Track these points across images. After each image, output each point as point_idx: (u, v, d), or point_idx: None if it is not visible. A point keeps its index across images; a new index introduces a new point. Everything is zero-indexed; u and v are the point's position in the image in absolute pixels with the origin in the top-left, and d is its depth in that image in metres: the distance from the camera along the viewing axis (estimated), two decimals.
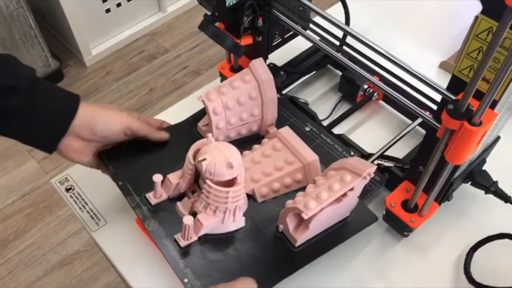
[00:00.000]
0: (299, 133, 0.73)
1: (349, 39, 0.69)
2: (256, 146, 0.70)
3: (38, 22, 1.82)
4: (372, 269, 0.68)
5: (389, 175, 0.71)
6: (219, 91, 0.68)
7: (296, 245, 0.61)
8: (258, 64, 0.68)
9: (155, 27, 2.21)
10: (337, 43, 0.71)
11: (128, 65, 2.09)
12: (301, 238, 0.61)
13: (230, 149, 0.61)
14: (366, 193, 0.68)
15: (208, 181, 0.59)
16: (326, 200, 0.58)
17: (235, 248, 0.62)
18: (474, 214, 0.73)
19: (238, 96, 0.67)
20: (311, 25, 0.71)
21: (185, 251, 0.61)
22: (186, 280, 0.58)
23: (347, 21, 0.78)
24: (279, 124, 0.72)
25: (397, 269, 0.68)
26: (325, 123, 0.81)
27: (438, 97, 0.60)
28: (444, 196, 0.67)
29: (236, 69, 0.83)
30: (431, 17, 1.03)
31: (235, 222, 0.63)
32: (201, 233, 0.61)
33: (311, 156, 0.66)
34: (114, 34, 2.12)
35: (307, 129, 0.74)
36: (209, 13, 0.69)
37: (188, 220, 0.59)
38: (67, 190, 0.77)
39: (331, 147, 0.72)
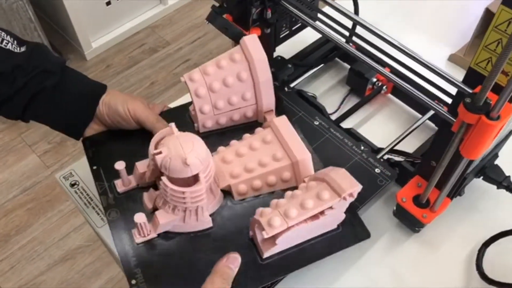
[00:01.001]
0: (307, 127, 0.72)
1: (358, 30, 0.67)
2: (246, 136, 0.63)
3: (37, 15, 1.80)
4: (383, 265, 0.67)
5: (399, 169, 0.70)
6: (203, 70, 0.61)
7: (264, 257, 0.55)
8: (250, 41, 0.60)
9: (156, 20, 2.19)
10: (347, 33, 0.69)
11: (129, 58, 2.07)
12: (268, 251, 0.55)
13: (193, 142, 0.53)
14: (377, 188, 0.66)
15: (164, 178, 0.53)
16: (294, 219, 0.52)
17: (196, 251, 0.56)
18: (485, 209, 0.72)
19: (225, 76, 0.60)
20: (320, 16, 0.70)
21: (140, 249, 0.55)
22: (133, 282, 0.53)
23: (356, 11, 0.77)
24: (288, 117, 0.71)
25: (407, 265, 0.67)
26: (333, 117, 0.80)
27: (450, 90, 0.59)
28: (457, 191, 0.66)
29: None
30: (439, 10, 1.01)
31: (199, 222, 0.57)
32: (159, 230, 0.56)
33: (302, 153, 0.58)
34: (115, 27, 2.10)
35: (316, 123, 0.73)
36: (217, 5, 0.67)
37: (139, 218, 0.54)
38: (72, 185, 0.75)
39: (341, 142, 0.70)
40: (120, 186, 0.61)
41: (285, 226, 0.51)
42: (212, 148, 0.60)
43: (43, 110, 0.64)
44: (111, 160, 0.61)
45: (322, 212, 0.53)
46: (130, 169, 0.61)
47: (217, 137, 0.65)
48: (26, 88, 0.62)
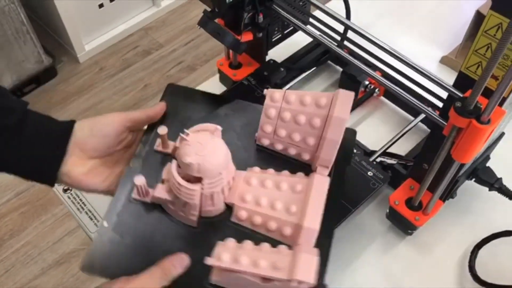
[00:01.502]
0: None
1: (350, 34, 0.68)
2: (284, 172, 0.61)
3: (30, 18, 1.79)
4: (376, 268, 0.68)
5: (392, 172, 0.70)
6: (286, 96, 0.59)
7: (211, 279, 0.53)
8: (343, 96, 0.58)
9: (149, 22, 2.18)
10: (338, 38, 0.69)
11: (122, 61, 2.07)
12: (215, 277, 0.53)
13: (215, 147, 0.54)
14: (370, 191, 0.67)
15: (173, 162, 0.55)
16: (240, 266, 0.49)
17: (167, 236, 0.56)
18: (478, 211, 0.72)
19: (299, 113, 0.58)
20: (311, 20, 0.70)
21: (130, 204, 0.57)
22: (105, 224, 0.55)
23: (348, 15, 0.77)
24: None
25: (401, 267, 0.68)
26: None
27: (441, 93, 0.59)
28: (449, 193, 0.66)
29: (235, 65, 0.82)
30: (431, 12, 1.01)
31: (185, 216, 0.57)
32: (153, 200, 0.57)
33: (312, 222, 0.53)
34: (108, 29, 2.10)
35: None
36: (208, 9, 0.67)
37: (138, 180, 0.55)
38: (65, 191, 0.75)
39: None
40: (158, 147, 0.62)
41: (229, 266, 0.50)
42: (252, 163, 0.61)
43: (7, 153, 0.55)
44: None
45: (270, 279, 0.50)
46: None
47: (264, 157, 0.63)
48: None
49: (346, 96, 0.57)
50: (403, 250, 0.69)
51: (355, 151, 0.70)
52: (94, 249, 0.55)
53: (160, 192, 0.56)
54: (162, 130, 0.59)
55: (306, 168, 0.60)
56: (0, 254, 1.54)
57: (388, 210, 0.69)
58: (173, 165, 0.55)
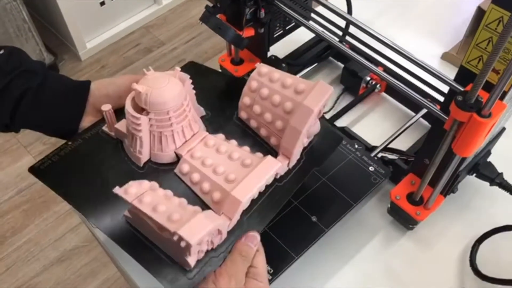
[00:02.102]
0: None
1: (351, 30, 0.68)
2: (245, 148, 0.60)
3: (31, 16, 1.79)
4: (377, 263, 0.68)
5: (393, 167, 0.71)
6: (271, 73, 0.59)
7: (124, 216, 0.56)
8: (321, 88, 0.56)
9: (151, 20, 2.19)
10: (340, 33, 0.70)
11: (124, 59, 2.07)
12: (126, 215, 0.55)
13: (168, 80, 0.55)
14: (371, 186, 0.67)
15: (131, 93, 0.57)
16: (140, 206, 0.50)
17: (112, 171, 0.59)
18: (478, 206, 0.72)
19: (276, 93, 0.58)
20: (313, 15, 0.70)
21: (97, 135, 0.62)
22: (69, 143, 0.61)
23: (349, 11, 0.77)
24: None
25: (402, 262, 0.68)
26: (327, 116, 0.80)
27: (443, 88, 0.60)
28: (450, 188, 0.67)
29: (237, 61, 0.82)
30: (432, 8, 1.02)
31: (135, 154, 0.59)
32: (115, 133, 0.61)
33: (240, 194, 0.53)
34: (109, 27, 2.10)
35: None
36: (210, 5, 0.68)
37: (106, 107, 0.58)
38: None
39: None
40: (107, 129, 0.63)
41: (130, 201, 0.51)
42: (223, 132, 0.62)
43: (32, 112, 0.61)
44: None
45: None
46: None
47: (237, 131, 0.63)
48: (8, 91, 0.59)
49: (323, 89, 0.56)
50: (404, 245, 0.69)
51: (356, 146, 0.70)
52: (55, 163, 0.60)
53: (121, 124, 0.59)
54: (105, 107, 0.60)
55: (272, 154, 0.59)
56: (1, 251, 1.54)
57: (389, 205, 0.70)
58: (129, 95, 0.57)
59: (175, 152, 0.60)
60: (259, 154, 0.59)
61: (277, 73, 0.58)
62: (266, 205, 0.56)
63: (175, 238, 0.48)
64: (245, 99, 0.61)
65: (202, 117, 0.64)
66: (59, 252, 1.54)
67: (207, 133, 0.61)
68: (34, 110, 0.61)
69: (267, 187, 0.57)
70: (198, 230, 0.48)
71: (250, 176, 0.55)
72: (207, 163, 0.58)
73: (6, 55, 0.60)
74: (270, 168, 0.56)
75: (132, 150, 0.60)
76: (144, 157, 0.60)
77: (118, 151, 0.61)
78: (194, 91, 0.61)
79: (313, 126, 0.59)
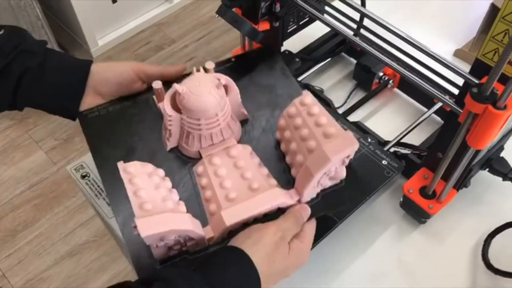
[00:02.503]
0: None
1: (366, 23, 0.68)
2: (263, 170, 0.61)
3: (45, 13, 1.81)
4: (389, 256, 0.68)
5: (405, 162, 0.71)
6: (311, 107, 0.58)
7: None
8: (346, 140, 0.55)
9: (162, 18, 2.20)
10: (354, 26, 0.70)
11: (135, 56, 2.08)
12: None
13: (201, 97, 0.57)
14: (384, 180, 0.67)
15: (173, 86, 0.59)
16: (127, 183, 0.54)
17: (145, 137, 0.64)
18: (491, 201, 0.73)
19: (307, 127, 0.57)
20: (327, 9, 0.71)
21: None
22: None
23: (363, 4, 0.77)
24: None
25: (414, 256, 0.68)
26: (340, 111, 0.81)
27: (457, 81, 0.60)
28: (462, 182, 0.67)
29: None
30: (444, 5, 1.02)
31: (166, 137, 0.62)
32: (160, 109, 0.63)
33: (228, 218, 0.54)
34: (121, 24, 2.12)
35: None
36: None
37: (157, 84, 0.61)
38: (83, 177, 0.76)
39: None
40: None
41: (122, 175, 0.55)
42: (255, 147, 0.64)
43: (33, 90, 0.62)
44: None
45: None
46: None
47: (270, 147, 0.64)
48: (9, 70, 0.60)
49: (348, 141, 0.54)
50: (416, 239, 0.70)
51: (369, 140, 0.71)
52: (100, 116, 0.65)
53: (167, 105, 0.60)
54: (156, 84, 0.62)
55: (290, 184, 0.59)
56: (13, 245, 1.56)
57: (401, 199, 0.70)
58: (170, 89, 0.59)
59: (199, 152, 0.61)
60: (273, 181, 0.59)
61: (316, 108, 0.58)
62: None
63: (133, 225, 0.50)
64: (281, 121, 0.61)
65: (242, 121, 0.65)
66: (69, 246, 1.55)
67: (235, 142, 0.62)
68: (35, 89, 0.62)
69: (268, 215, 0.57)
70: (153, 227, 0.49)
71: (249, 202, 0.55)
72: (219, 173, 0.59)
73: (6, 35, 0.60)
74: (272, 201, 0.56)
75: (164, 133, 0.62)
76: (170, 144, 0.63)
77: (156, 125, 0.64)
78: (239, 100, 0.62)
79: (337, 172, 0.58)
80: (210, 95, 0.57)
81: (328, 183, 0.58)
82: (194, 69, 0.61)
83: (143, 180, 0.55)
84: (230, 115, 0.61)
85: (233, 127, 0.63)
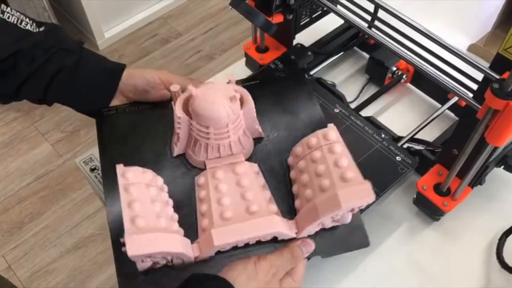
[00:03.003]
0: (328, 115, 0.71)
1: (380, 15, 0.67)
2: (266, 193, 0.59)
3: (51, 5, 1.80)
4: (402, 253, 0.67)
5: (419, 158, 0.70)
6: (334, 144, 0.55)
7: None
8: (363, 190, 0.51)
9: (169, 10, 2.19)
10: (369, 18, 0.69)
11: (141, 49, 2.07)
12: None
13: (214, 105, 0.56)
14: (398, 176, 0.66)
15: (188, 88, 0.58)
16: (122, 193, 0.52)
17: (153, 138, 0.64)
18: (506, 199, 0.72)
19: (324, 164, 0.54)
20: (341, 0, 0.69)
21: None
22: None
23: None
24: (307, 106, 0.70)
25: (427, 253, 0.67)
26: (352, 105, 0.80)
27: (474, 76, 0.59)
28: (478, 179, 0.66)
29: (262, 49, 0.82)
30: (458, 0, 1.00)
31: (174, 141, 0.62)
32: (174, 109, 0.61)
33: (218, 239, 0.52)
34: (127, 17, 2.10)
35: (336, 111, 0.72)
36: None
37: (175, 87, 0.60)
38: (92, 170, 0.76)
39: (362, 130, 0.70)
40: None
41: (119, 179, 0.53)
42: (266, 167, 0.62)
43: (65, 89, 0.64)
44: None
45: None
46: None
47: (278, 171, 0.61)
48: (45, 67, 0.61)
49: (364, 192, 0.51)
50: (429, 236, 0.69)
51: (383, 135, 0.70)
52: (117, 115, 0.66)
53: (178, 106, 0.59)
54: (174, 87, 0.61)
55: (292, 214, 0.56)
56: (20, 237, 1.56)
57: (415, 196, 0.69)
58: (185, 92, 0.59)
59: (204, 162, 0.60)
60: (273, 207, 0.56)
61: (339, 147, 0.55)
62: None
63: (121, 240, 0.48)
64: (298, 148, 0.59)
65: (256, 138, 0.63)
66: (75, 239, 1.55)
67: (243, 159, 0.60)
68: (67, 87, 0.63)
69: (261, 242, 0.55)
70: (142, 248, 0.47)
71: (243, 224, 0.53)
72: (219, 188, 0.57)
73: (46, 33, 0.62)
74: (268, 229, 0.53)
75: (173, 138, 0.61)
76: (178, 150, 0.62)
77: (169, 130, 0.63)
78: (254, 115, 0.60)
79: (342, 217, 0.55)
80: (221, 105, 0.56)
81: (329, 224, 0.55)
82: (230, 75, 0.60)
83: (140, 191, 0.53)
84: (242, 130, 0.59)
85: (244, 143, 0.60)
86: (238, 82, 0.66)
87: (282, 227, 0.53)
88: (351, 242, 0.56)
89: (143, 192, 0.53)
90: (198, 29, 2.12)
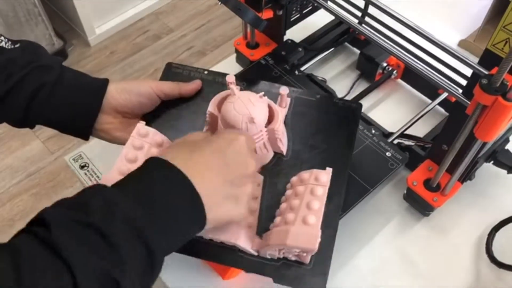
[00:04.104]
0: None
1: (370, 11, 0.67)
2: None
3: (41, 0, 1.78)
4: (392, 248, 0.68)
5: (409, 154, 0.70)
6: (317, 187, 0.55)
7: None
8: (310, 239, 0.52)
9: (160, 6, 2.18)
10: (359, 14, 0.69)
11: (133, 45, 2.06)
12: None
13: (253, 102, 0.56)
14: (388, 171, 0.66)
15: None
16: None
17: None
18: (495, 194, 0.72)
19: (298, 200, 0.55)
20: None
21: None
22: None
23: None
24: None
25: (417, 248, 0.68)
26: None
27: (464, 72, 0.59)
28: (467, 175, 0.66)
29: (252, 45, 0.81)
30: None
31: None
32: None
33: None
34: (119, 13, 2.09)
35: None
36: None
37: (230, 78, 0.59)
38: (82, 167, 0.75)
39: None
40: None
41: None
42: (272, 181, 0.62)
43: (46, 108, 0.59)
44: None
45: None
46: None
47: (278, 190, 0.61)
48: (22, 86, 0.57)
49: (311, 241, 0.51)
50: (419, 231, 0.69)
51: (373, 131, 0.70)
52: None
53: (212, 102, 0.60)
54: (230, 78, 0.60)
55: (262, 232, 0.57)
56: (10, 234, 1.53)
57: (405, 191, 0.69)
58: (227, 91, 0.59)
59: None
60: (252, 220, 0.58)
61: (321, 190, 0.55)
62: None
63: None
64: (293, 178, 0.59)
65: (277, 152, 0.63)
66: None
67: (257, 175, 0.61)
68: (48, 106, 0.59)
69: (224, 244, 0.56)
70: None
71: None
72: None
73: (21, 49, 0.58)
74: (231, 237, 0.55)
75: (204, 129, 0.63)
76: None
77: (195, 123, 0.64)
78: (279, 134, 0.60)
79: (300, 256, 0.55)
80: (240, 117, 0.56)
81: (292, 258, 0.56)
82: (282, 88, 0.61)
83: (143, 151, 0.57)
84: (263, 143, 0.59)
85: (260, 154, 0.60)
86: (296, 92, 0.67)
87: (244, 241, 0.55)
88: (305, 283, 0.55)
89: (144, 152, 0.57)
90: (189, 25, 2.11)
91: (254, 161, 0.53)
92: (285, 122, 0.63)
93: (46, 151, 1.72)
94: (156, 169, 0.45)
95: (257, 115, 0.56)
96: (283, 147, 0.62)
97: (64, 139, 1.75)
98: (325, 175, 0.56)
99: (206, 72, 0.65)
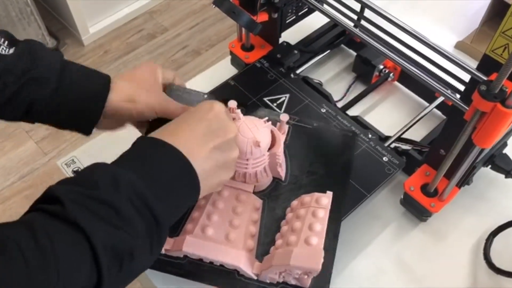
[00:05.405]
0: (314, 114, 0.71)
1: (366, 14, 0.66)
2: (250, 228, 0.60)
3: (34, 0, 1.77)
4: (389, 254, 0.67)
5: (406, 158, 0.69)
6: (318, 209, 0.57)
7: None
8: (313, 258, 0.52)
9: (154, 5, 2.16)
10: (355, 17, 0.68)
11: (127, 44, 2.05)
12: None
13: (257, 126, 0.57)
14: (385, 177, 0.66)
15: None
16: None
17: None
18: (493, 199, 0.71)
19: (300, 223, 0.56)
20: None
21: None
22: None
23: None
24: (294, 105, 0.69)
25: (414, 253, 0.67)
26: (339, 104, 0.79)
27: (461, 76, 0.58)
28: (465, 180, 0.65)
29: (247, 47, 0.80)
30: None
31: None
32: None
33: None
34: (112, 12, 2.07)
35: (323, 110, 0.72)
36: None
37: (232, 103, 0.59)
38: (74, 172, 0.74)
39: None
40: None
41: None
42: (270, 204, 0.63)
43: (45, 115, 0.57)
44: None
45: None
46: None
47: (278, 213, 0.62)
48: (19, 97, 0.54)
49: (314, 261, 0.52)
50: (416, 237, 0.68)
51: (370, 136, 0.69)
52: None
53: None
54: (232, 103, 0.59)
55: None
56: None
57: (402, 196, 0.68)
58: (234, 114, 0.59)
59: None
60: (251, 244, 0.58)
61: (322, 212, 0.56)
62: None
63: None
64: (294, 202, 0.61)
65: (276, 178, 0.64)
66: None
67: (251, 191, 0.62)
68: (47, 114, 0.57)
69: (223, 268, 0.57)
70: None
71: (214, 246, 0.56)
72: (216, 204, 0.60)
73: (16, 56, 0.54)
74: (231, 260, 0.56)
75: None
76: None
77: None
78: (279, 160, 0.61)
79: (301, 279, 0.56)
80: (245, 141, 0.56)
81: (292, 281, 0.56)
82: (282, 115, 0.61)
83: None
84: (263, 167, 0.60)
85: (260, 178, 0.61)
86: (293, 120, 0.68)
87: (244, 265, 0.56)
88: None
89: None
90: (184, 24, 2.10)
91: (234, 124, 0.53)
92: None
93: (39, 152, 1.70)
94: (149, 147, 0.48)
95: (262, 139, 0.57)
96: (282, 172, 0.63)
97: (57, 139, 1.73)
98: (326, 198, 0.57)
99: (206, 96, 0.64)
